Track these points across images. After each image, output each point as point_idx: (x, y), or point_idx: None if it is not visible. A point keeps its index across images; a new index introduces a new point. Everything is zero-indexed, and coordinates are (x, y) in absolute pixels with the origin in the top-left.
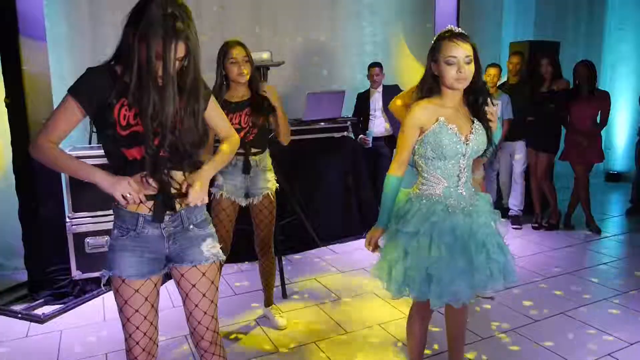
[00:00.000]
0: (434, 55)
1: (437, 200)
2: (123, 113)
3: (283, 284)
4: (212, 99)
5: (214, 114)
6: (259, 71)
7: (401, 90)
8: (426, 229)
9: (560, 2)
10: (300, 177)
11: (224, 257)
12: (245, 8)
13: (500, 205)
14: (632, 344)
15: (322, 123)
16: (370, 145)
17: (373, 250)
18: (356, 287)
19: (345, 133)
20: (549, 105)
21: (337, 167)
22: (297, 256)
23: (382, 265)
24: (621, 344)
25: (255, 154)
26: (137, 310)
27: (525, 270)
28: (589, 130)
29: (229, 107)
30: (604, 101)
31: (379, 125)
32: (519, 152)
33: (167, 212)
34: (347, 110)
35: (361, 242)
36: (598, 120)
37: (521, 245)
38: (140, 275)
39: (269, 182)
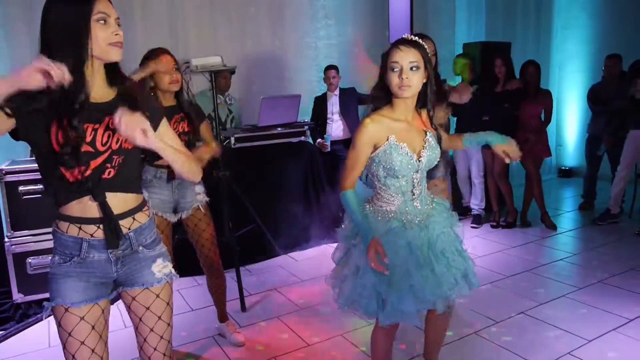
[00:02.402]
0: (383, 62)
1: (392, 217)
2: (59, 131)
3: (242, 296)
4: (164, 122)
5: (165, 138)
6: (211, 76)
7: (358, 93)
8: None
9: (509, 4)
10: (258, 184)
11: (177, 276)
12: (193, 12)
13: (460, 206)
14: (590, 341)
15: (279, 128)
16: (329, 149)
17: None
18: (318, 295)
19: (302, 138)
20: (504, 105)
21: (296, 173)
22: (256, 266)
23: (336, 276)
24: (581, 342)
25: None
26: (82, 342)
27: (485, 270)
28: (537, 127)
29: None
30: (547, 99)
31: (336, 128)
32: (475, 152)
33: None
34: (304, 114)
35: (322, 249)
36: (542, 118)
37: (481, 244)
38: (86, 300)
39: (199, 194)
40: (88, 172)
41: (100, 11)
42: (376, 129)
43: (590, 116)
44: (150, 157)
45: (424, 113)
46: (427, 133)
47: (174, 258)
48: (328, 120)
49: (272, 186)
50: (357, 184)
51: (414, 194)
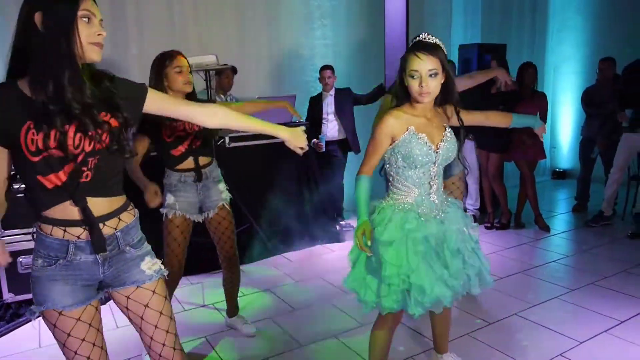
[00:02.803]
0: (402, 66)
1: (410, 209)
2: (30, 137)
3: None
4: (150, 92)
5: (159, 103)
6: (207, 75)
7: (353, 93)
8: (401, 238)
9: (505, 6)
10: (253, 184)
11: (166, 272)
12: (190, 12)
13: None
14: (582, 342)
15: None
16: (324, 149)
17: (367, 246)
18: (311, 296)
19: None
20: (499, 107)
21: (291, 173)
22: (250, 266)
23: (357, 276)
24: (572, 343)
25: (204, 166)
26: (83, 339)
27: None
28: (532, 129)
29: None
30: (542, 102)
31: (332, 129)
32: (469, 153)
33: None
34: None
35: (316, 249)
36: None
37: None
38: (78, 303)
39: (223, 192)
40: (65, 178)
41: (85, 8)
42: (395, 122)
43: (585, 119)
44: (168, 161)
45: (449, 108)
46: (447, 128)
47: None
48: (323, 121)
49: (266, 186)
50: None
51: (430, 187)
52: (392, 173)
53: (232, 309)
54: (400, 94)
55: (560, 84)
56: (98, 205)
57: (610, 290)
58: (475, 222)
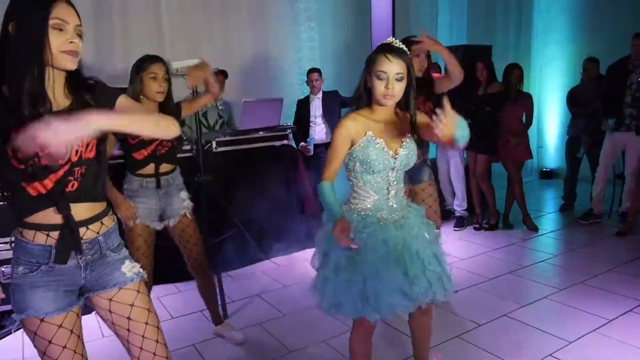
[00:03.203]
0: (368, 67)
1: (368, 214)
2: None
3: (223, 303)
4: (121, 97)
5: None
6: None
7: (341, 96)
8: (359, 243)
9: (490, 8)
10: (240, 188)
11: (145, 275)
12: (177, 14)
13: (442, 209)
14: (571, 342)
15: (261, 132)
16: (312, 152)
17: (349, 240)
18: (301, 301)
19: (285, 141)
20: (485, 108)
21: (278, 177)
22: (238, 272)
23: (316, 281)
24: (562, 343)
25: (165, 173)
26: (65, 347)
27: (468, 272)
28: (518, 130)
29: None
30: (528, 102)
31: (319, 132)
32: (455, 154)
33: (83, 242)
34: (287, 117)
35: (305, 254)
36: (524, 121)
37: (463, 247)
38: (60, 309)
39: (185, 201)
40: (50, 186)
41: (56, 17)
42: (354, 125)
43: (570, 118)
44: (130, 164)
45: (409, 116)
46: (407, 134)
47: (154, 266)
48: (311, 124)
49: (254, 190)
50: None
51: (389, 192)
52: (351, 178)
53: (216, 316)
54: (362, 96)
55: (546, 84)
56: (81, 211)
57: (599, 290)
58: (463, 224)
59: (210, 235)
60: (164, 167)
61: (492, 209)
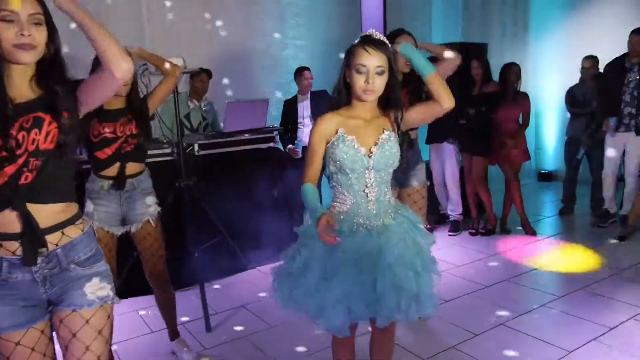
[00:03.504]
0: (347, 61)
1: (344, 218)
2: None
3: (207, 315)
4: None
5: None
6: None
7: (331, 96)
8: (326, 247)
9: (485, 4)
10: (224, 193)
11: (117, 301)
12: (158, 11)
13: (437, 213)
14: (571, 352)
15: (246, 134)
16: (300, 155)
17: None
18: (288, 312)
19: (272, 144)
20: (481, 108)
21: (265, 181)
22: (223, 281)
23: (280, 268)
24: (561, 353)
25: (132, 175)
26: None
27: (464, 280)
28: (514, 131)
29: (103, 116)
30: (525, 102)
31: (308, 133)
32: (449, 157)
33: (40, 253)
34: (273, 119)
35: None
36: (520, 121)
37: (459, 253)
38: (17, 325)
39: (150, 207)
40: (4, 179)
41: (3, 8)
42: (327, 125)
43: (569, 118)
44: (93, 163)
45: (393, 114)
46: (386, 132)
47: (123, 277)
48: (299, 125)
49: (239, 196)
50: None
51: (367, 195)
52: (331, 180)
53: (172, 331)
54: (341, 92)
55: (544, 83)
56: (40, 214)
57: (599, 296)
58: (458, 229)
59: (193, 242)
60: (131, 167)
61: (489, 213)
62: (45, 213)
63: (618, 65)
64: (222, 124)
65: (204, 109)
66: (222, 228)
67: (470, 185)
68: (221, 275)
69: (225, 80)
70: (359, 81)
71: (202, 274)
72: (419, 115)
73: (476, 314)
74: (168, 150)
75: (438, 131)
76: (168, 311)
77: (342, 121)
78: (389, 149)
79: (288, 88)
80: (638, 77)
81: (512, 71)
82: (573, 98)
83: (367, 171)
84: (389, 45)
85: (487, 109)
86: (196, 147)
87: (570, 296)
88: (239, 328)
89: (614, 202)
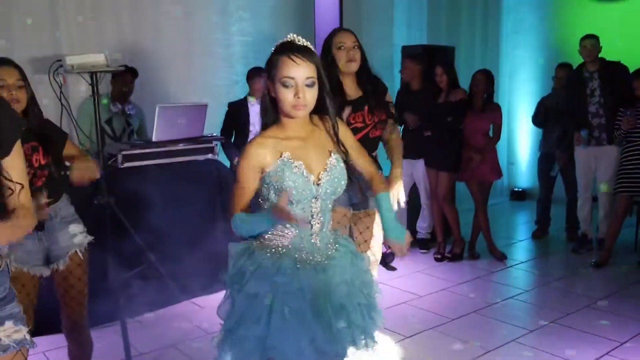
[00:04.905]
0: (269, 74)
1: (285, 253)
2: None
3: (128, 357)
4: (17, 145)
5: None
6: (93, 79)
7: None
8: (268, 291)
9: (453, 3)
10: (154, 213)
11: (33, 344)
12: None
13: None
14: None
15: (180, 144)
16: None
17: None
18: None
19: (210, 155)
20: (446, 118)
21: (203, 198)
22: (150, 316)
23: (220, 334)
24: None
25: (48, 204)
26: None
27: (427, 312)
28: (482, 145)
29: None
30: (495, 113)
31: None
32: (420, 172)
33: None
34: (213, 127)
35: None
36: (491, 134)
37: (423, 281)
38: None
39: (76, 236)
40: None
41: None
42: (261, 153)
43: (542, 132)
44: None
45: (327, 123)
46: (332, 154)
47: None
48: (250, 132)
49: (171, 215)
50: None
51: (312, 227)
52: (265, 207)
53: None
54: (268, 110)
55: (517, 92)
56: None
57: (573, 330)
58: (428, 246)
59: (114, 269)
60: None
61: (456, 236)
62: None
63: (576, 76)
64: (151, 132)
65: (128, 113)
66: (149, 253)
67: (436, 205)
68: (148, 309)
69: (156, 81)
70: (287, 96)
71: (125, 308)
72: (360, 167)
73: (440, 350)
74: None
75: (406, 145)
76: None
77: (279, 143)
78: (338, 174)
79: (230, 90)
80: (599, 84)
81: (481, 78)
82: (546, 109)
83: (314, 200)
84: (314, 50)
85: (453, 119)
86: (120, 158)
87: (541, 330)
88: None
89: (590, 224)
